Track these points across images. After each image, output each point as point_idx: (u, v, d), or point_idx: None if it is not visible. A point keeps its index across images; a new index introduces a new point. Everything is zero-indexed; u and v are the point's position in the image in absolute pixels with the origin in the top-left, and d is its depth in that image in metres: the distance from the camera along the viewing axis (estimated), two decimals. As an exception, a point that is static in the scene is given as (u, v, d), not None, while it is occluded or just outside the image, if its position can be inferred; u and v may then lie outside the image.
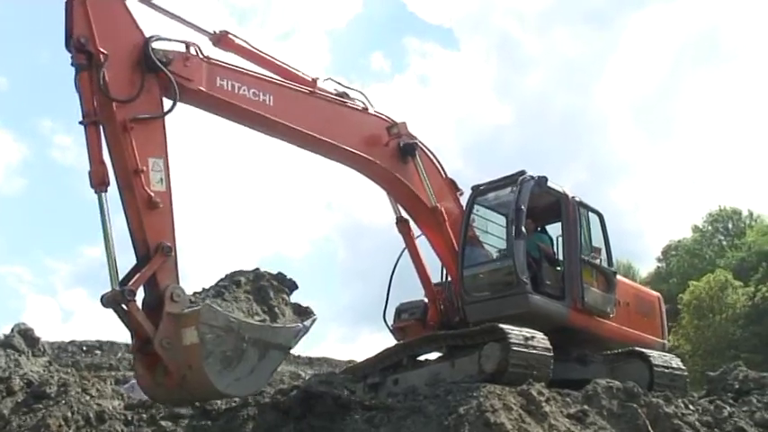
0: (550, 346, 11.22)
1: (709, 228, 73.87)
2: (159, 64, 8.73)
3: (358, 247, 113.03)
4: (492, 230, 13.75)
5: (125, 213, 8.29)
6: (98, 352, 30.63)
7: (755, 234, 66.59)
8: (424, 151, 13.02)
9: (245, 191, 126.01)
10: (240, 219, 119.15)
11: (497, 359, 10.98)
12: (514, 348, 10.81)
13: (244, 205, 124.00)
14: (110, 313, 7.67)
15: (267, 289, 9.16)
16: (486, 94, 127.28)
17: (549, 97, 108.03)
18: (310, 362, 29.29)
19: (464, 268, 12.96)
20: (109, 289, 7.88)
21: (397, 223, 13.74)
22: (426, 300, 13.73)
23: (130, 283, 7.91)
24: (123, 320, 7.97)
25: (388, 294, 13.93)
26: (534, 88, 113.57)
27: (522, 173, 13.06)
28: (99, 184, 7.86)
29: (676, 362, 13.30)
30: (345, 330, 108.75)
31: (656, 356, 13.04)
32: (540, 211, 13.36)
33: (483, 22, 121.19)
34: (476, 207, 13.47)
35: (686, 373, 13.58)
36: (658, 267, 73.35)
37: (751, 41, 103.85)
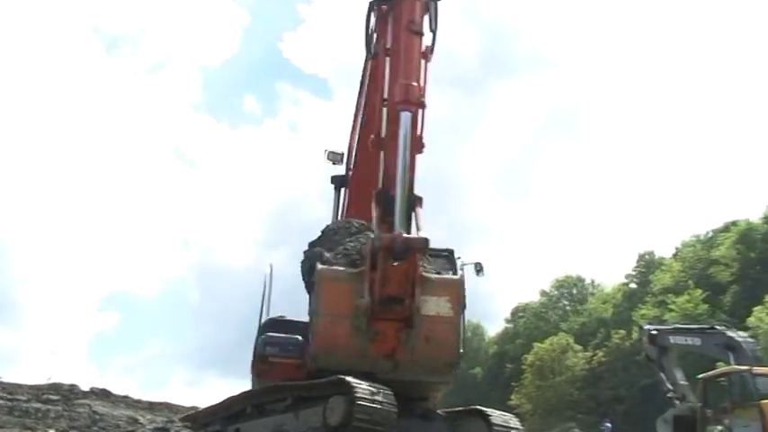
0: (396, 402, 11.26)
1: (555, 293, 77.25)
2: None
3: (213, 289, 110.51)
4: None
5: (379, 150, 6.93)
6: None
7: (596, 301, 70.24)
8: None
9: (96, 219, 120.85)
10: (86, 249, 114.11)
11: (342, 412, 10.86)
12: (360, 402, 10.75)
13: (92, 235, 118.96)
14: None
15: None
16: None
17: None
18: (150, 406, 27.84)
19: None
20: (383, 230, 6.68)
21: None
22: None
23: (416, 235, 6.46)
24: (387, 271, 6.67)
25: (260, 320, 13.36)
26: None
27: (452, 252, 13.25)
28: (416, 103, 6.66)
29: (515, 422, 13.58)
30: (191, 374, 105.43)
31: (496, 415, 13.28)
32: None
33: (357, 75, 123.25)
34: None
35: (523, 433, 13.97)
36: (506, 328, 75.88)
37: (606, 118, 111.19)
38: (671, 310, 48.66)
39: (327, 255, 6.53)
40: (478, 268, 13.17)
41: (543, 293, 76.88)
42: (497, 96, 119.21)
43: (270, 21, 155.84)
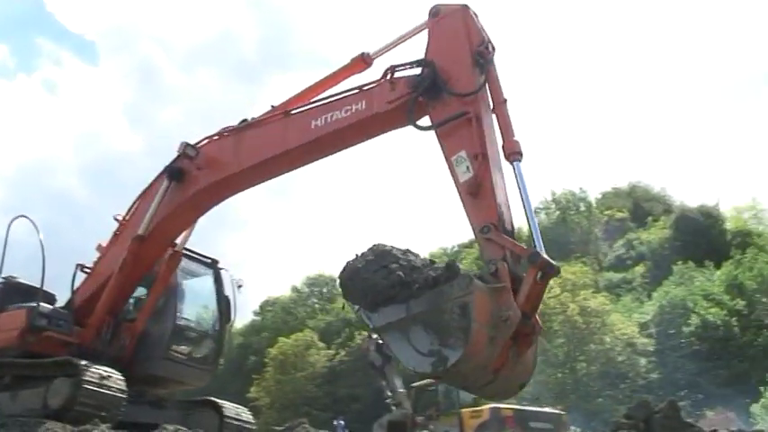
0: (125, 388, 10.87)
1: (306, 290, 78.51)
2: None
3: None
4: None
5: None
6: None
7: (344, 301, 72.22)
8: None
9: None
10: None
11: (65, 395, 10.35)
12: (86, 386, 10.27)
13: None
14: None
15: None
16: (117, 117, 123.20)
17: (184, 135, 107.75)
18: None
19: (176, 322, 12.74)
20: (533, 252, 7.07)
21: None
22: (77, 315, 12.11)
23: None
24: (533, 288, 6.92)
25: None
26: (170, 122, 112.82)
27: (217, 262, 13.87)
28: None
29: (246, 414, 13.72)
30: None
31: (229, 407, 13.35)
32: None
33: (128, 44, 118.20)
34: None
35: (254, 426, 14.09)
36: (254, 320, 75.83)
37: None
38: (413, 317, 51.11)
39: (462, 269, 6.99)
40: (239, 284, 13.85)
41: (294, 289, 77.89)
42: (273, 89, 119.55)
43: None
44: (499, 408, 20.74)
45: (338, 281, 7.82)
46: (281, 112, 10.24)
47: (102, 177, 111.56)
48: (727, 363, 38.41)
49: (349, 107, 9.27)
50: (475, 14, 8.60)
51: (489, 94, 8.18)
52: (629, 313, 45.47)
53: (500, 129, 7.96)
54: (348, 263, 7.65)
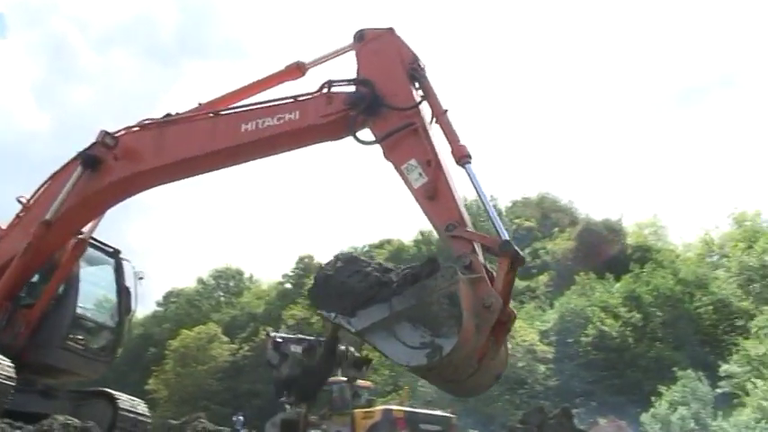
0: (14, 375, 10.46)
1: (213, 282, 77.37)
2: None
3: None
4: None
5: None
6: None
7: (251, 296, 71.58)
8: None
9: None
10: None
11: (-52, 382, 9.90)
12: (-30, 374, 9.88)
13: None
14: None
15: None
16: (23, 94, 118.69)
17: (95, 117, 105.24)
18: None
19: (75, 311, 12.37)
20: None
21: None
22: None
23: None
24: (508, 276, 7.05)
25: None
26: (82, 103, 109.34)
27: (120, 252, 13.48)
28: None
29: (142, 407, 13.44)
30: None
31: (124, 400, 13.03)
32: None
33: (41, 19, 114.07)
34: None
35: (149, 420, 13.77)
36: (156, 311, 74.33)
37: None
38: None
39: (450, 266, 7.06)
40: (140, 276, 13.67)
41: (200, 281, 76.68)
42: (189, 76, 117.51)
43: None
44: (391, 409, 21.06)
45: (309, 292, 7.93)
46: (210, 111, 9.99)
47: (3, 155, 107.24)
48: (620, 372, 39.67)
49: (282, 116, 9.15)
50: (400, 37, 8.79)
51: (429, 107, 8.36)
52: (531, 320, 46.44)
53: (446, 137, 8.14)
54: (316, 275, 7.80)
